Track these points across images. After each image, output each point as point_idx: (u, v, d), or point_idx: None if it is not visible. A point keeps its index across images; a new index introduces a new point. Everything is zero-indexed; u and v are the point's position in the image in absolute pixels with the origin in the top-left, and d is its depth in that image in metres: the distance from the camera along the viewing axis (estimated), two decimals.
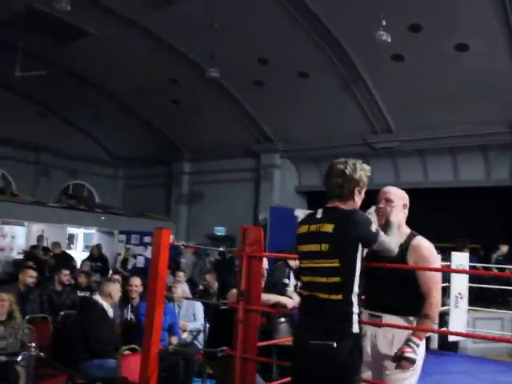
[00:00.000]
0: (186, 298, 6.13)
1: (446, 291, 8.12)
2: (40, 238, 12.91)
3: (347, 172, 2.62)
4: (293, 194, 14.81)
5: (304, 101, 12.46)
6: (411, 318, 2.84)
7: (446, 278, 7.84)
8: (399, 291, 2.84)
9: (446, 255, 8.17)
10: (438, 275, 2.93)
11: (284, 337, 5.78)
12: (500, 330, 7.50)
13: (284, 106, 12.94)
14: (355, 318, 2.50)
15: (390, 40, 8.59)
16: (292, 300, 3.33)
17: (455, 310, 6.71)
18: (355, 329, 2.49)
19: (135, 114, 15.79)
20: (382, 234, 2.62)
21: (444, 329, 7.16)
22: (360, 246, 2.54)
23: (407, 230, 3.03)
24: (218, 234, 15.10)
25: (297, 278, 7.72)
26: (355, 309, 2.52)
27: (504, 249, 9.39)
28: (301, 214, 13.18)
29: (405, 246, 2.89)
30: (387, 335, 2.82)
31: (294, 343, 2.68)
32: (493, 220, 11.06)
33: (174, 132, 16.02)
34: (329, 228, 2.53)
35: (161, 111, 15.07)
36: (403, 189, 12.17)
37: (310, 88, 12.04)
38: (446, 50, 10.04)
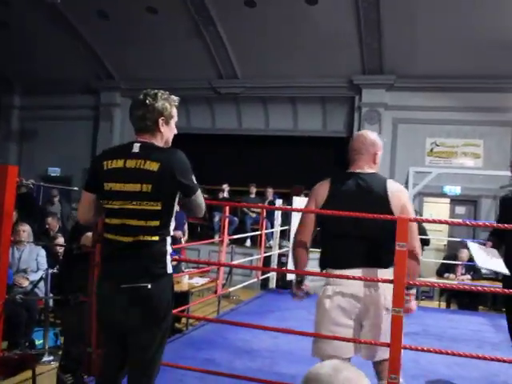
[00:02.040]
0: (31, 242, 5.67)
1: (286, 233, 8.63)
2: None
3: (147, 102, 2.48)
4: (133, 134, 14.26)
5: (151, 39, 11.89)
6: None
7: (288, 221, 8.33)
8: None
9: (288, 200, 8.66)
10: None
11: None
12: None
13: (129, 43, 12.21)
14: (169, 258, 2.48)
15: None
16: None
17: None
18: (169, 269, 2.48)
19: None
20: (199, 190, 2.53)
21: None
22: (179, 192, 2.46)
23: None
24: (53, 174, 14.14)
25: None
26: (169, 249, 2.49)
27: None
28: None
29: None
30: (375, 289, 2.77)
31: (99, 290, 2.52)
32: (329, 167, 11.90)
33: (1, 60, 14.35)
34: (154, 166, 2.38)
35: None
36: (242, 135, 12.52)
37: (158, 26, 11.51)
38: (296, 1, 10.26)
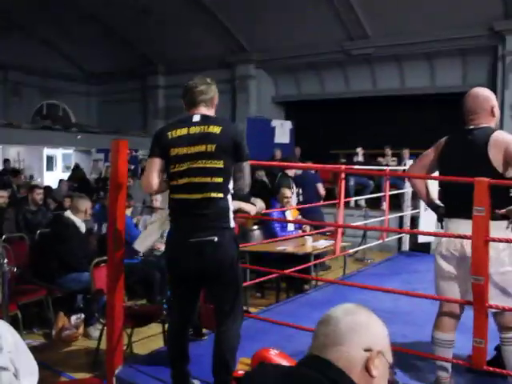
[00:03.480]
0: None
1: (415, 194, 8.31)
2: (6, 161, 12.92)
3: (208, 81, 2.90)
4: (269, 104, 14.62)
5: (277, 8, 11.99)
6: None
7: None
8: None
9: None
10: None
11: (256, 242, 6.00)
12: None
13: (258, 15, 12.46)
14: (231, 214, 2.74)
15: None
16: (255, 207, 3.34)
17: (425, 212, 6.87)
18: (232, 224, 2.75)
19: (105, 26, 15.13)
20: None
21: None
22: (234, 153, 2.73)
23: None
24: None
25: (297, 185, 8.15)
26: (231, 206, 2.75)
27: None
28: (278, 124, 13.16)
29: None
30: None
31: (173, 243, 2.82)
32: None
33: (146, 44, 15.47)
34: (216, 129, 2.69)
35: (131, 22, 14.43)
36: (380, 96, 12.11)
37: None
38: None
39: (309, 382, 1.27)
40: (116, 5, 13.62)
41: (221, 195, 2.67)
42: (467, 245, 2.77)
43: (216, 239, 2.63)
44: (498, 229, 2.73)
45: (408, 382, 3.26)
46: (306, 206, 7.07)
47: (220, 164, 2.66)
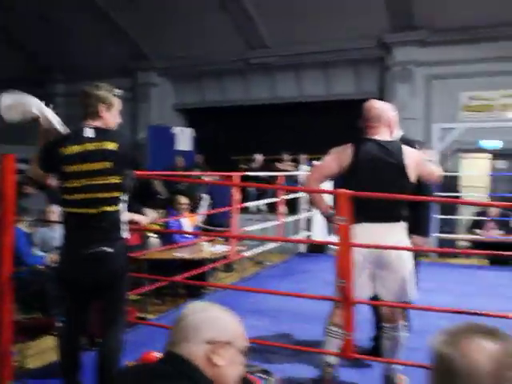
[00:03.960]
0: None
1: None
2: None
3: (92, 92, 2.86)
4: (171, 112, 14.65)
5: (178, 17, 12.11)
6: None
7: None
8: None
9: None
10: None
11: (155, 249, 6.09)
12: None
13: (159, 24, 12.48)
14: (125, 226, 2.86)
15: None
16: (146, 217, 3.48)
17: (317, 215, 7.27)
18: (124, 235, 2.87)
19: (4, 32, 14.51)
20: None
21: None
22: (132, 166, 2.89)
23: None
24: None
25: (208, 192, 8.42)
26: (125, 217, 2.87)
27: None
28: (179, 131, 13.24)
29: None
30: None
31: (66, 255, 2.90)
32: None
33: (44, 51, 14.99)
34: (112, 146, 2.75)
35: (28, 29, 13.93)
36: (279, 104, 12.45)
37: (184, 3, 11.71)
38: None
39: (163, 376, 1.44)
40: (13, 9, 13.11)
41: (116, 208, 2.78)
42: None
43: (110, 250, 2.74)
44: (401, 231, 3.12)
45: (293, 375, 3.51)
46: (212, 212, 7.28)
47: (117, 179, 2.75)
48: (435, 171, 3.26)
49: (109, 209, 2.75)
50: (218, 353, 1.45)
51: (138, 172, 3.81)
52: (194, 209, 8.45)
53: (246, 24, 12.18)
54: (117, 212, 2.78)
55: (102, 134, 2.80)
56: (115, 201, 2.77)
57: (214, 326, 1.48)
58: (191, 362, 1.43)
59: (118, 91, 2.94)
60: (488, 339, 1.04)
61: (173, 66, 13.78)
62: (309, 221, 8.46)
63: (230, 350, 1.48)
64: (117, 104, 2.91)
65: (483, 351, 1.00)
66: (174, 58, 13.43)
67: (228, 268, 7.98)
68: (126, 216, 2.92)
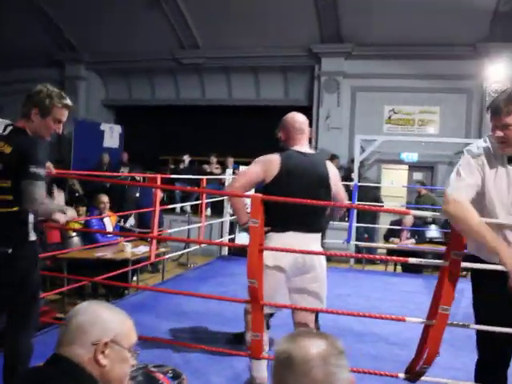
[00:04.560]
0: None
1: None
2: None
3: (33, 93, 2.77)
4: (99, 107, 14.36)
5: (111, 11, 11.88)
6: None
7: None
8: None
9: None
10: None
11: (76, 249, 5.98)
12: None
13: (90, 15, 12.17)
14: (31, 227, 2.78)
15: None
16: (65, 215, 3.39)
17: None
18: (31, 236, 2.79)
19: None
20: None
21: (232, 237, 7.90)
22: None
23: None
24: None
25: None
26: (31, 219, 2.78)
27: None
28: (107, 128, 12.98)
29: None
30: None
31: None
32: None
33: None
34: (7, 149, 2.69)
35: None
36: (209, 105, 12.44)
37: None
38: None
39: (48, 378, 1.45)
40: None
41: (15, 209, 2.70)
42: (308, 256, 3.17)
43: (9, 251, 2.67)
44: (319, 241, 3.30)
45: (208, 376, 3.57)
46: (142, 210, 7.23)
47: (8, 184, 2.69)
48: (343, 193, 3.52)
49: (6, 210, 2.69)
50: (102, 352, 1.47)
51: (56, 170, 3.78)
52: (119, 208, 8.36)
53: (179, 23, 12.15)
54: (17, 213, 2.71)
55: (14, 136, 2.73)
56: (9, 203, 2.69)
57: (98, 326, 1.48)
58: (76, 363, 1.45)
59: (66, 102, 2.83)
60: (319, 338, 1.35)
61: (102, 60, 13.49)
62: (232, 224, 8.56)
63: (116, 348, 1.49)
64: (56, 113, 2.80)
65: (315, 344, 1.31)
66: (103, 52, 13.15)
67: (155, 269, 8.03)
68: (32, 218, 2.80)
